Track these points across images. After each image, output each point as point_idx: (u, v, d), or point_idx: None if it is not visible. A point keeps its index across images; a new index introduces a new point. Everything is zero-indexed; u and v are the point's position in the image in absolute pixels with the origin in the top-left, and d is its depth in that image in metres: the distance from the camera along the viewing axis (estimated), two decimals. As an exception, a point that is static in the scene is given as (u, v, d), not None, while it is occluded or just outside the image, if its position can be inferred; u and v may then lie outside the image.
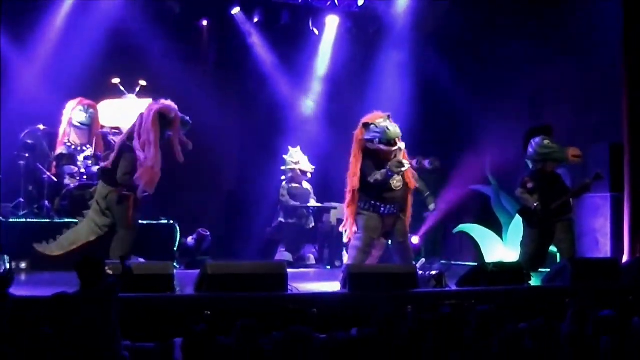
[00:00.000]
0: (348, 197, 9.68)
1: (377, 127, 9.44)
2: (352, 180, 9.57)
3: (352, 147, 9.66)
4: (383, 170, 9.32)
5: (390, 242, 9.95)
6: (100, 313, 5.52)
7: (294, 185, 12.49)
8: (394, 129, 9.42)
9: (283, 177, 12.62)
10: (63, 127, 11.51)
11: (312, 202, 12.55)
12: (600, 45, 11.65)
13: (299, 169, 12.47)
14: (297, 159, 12.53)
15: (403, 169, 9.37)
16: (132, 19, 12.77)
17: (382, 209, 9.45)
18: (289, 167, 12.54)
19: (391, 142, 9.40)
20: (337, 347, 5.48)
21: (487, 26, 13.17)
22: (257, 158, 13.58)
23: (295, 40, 14.33)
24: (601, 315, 6.27)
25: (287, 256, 11.87)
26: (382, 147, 9.41)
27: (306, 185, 12.65)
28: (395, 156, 9.44)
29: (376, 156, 9.50)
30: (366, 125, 9.52)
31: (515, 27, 12.82)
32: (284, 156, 12.64)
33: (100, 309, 5.54)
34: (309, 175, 12.64)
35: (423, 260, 9.23)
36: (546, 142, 10.46)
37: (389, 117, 9.64)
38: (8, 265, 8.02)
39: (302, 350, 5.37)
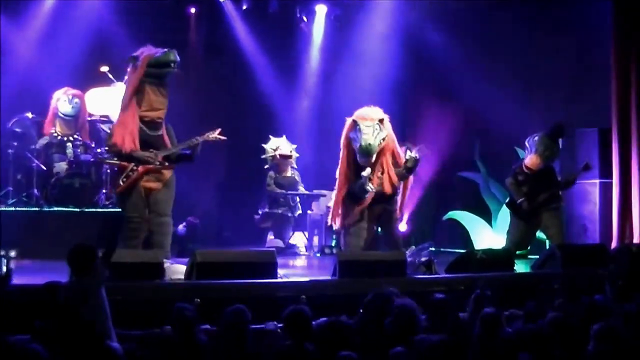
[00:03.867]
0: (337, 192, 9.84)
1: (360, 131, 9.39)
2: (340, 177, 9.76)
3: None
4: (358, 183, 9.48)
5: (379, 229, 9.99)
6: (91, 303, 5.47)
7: (280, 174, 12.48)
8: (373, 143, 9.34)
9: (266, 166, 12.61)
10: (49, 117, 11.46)
11: (301, 190, 12.54)
12: (591, 31, 11.68)
13: (279, 154, 12.45)
14: (276, 145, 12.51)
15: (365, 195, 9.47)
16: (121, 7, 12.74)
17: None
18: (268, 154, 12.54)
19: (364, 156, 9.43)
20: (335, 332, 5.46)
21: (480, 11, 13.16)
22: (247, 147, 13.56)
23: (284, 28, 14.33)
24: (590, 301, 6.31)
25: (278, 242, 11.88)
26: (357, 155, 9.49)
27: (293, 173, 12.63)
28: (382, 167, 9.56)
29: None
30: (355, 123, 9.51)
31: (506, 14, 12.82)
32: (263, 145, 12.64)
33: (92, 299, 5.50)
34: (293, 160, 12.63)
35: (413, 247, 9.24)
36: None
37: (381, 121, 9.55)
38: (4, 268, 7.84)
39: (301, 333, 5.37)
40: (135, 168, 8.58)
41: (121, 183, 8.62)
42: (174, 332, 5.49)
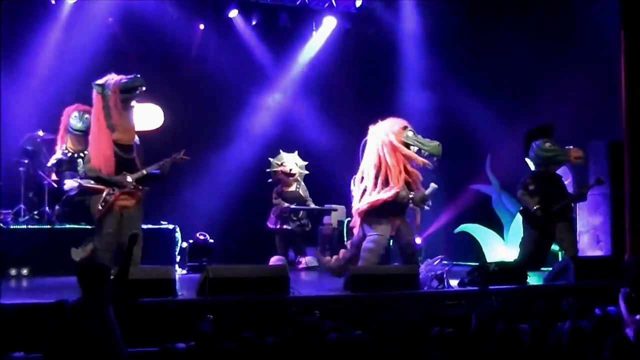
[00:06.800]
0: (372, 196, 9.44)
1: (415, 135, 9.36)
2: (381, 182, 9.37)
3: (379, 145, 9.40)
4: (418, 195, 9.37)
5: (392, 243, 9.95)
6: (101, 322, 5.44)
7: (284, 189, 12.48)
8: (439, 147, 9.31)
9: (270, 180, 12.63)
10: (60, 134, 11.49)
11: (311, 204, 12.51)
12: (599, 42, 11.65)
13: (282, 171, 12.45)
14: (281, 161, 12.54)
15: (424, 207, 9.44)
16: (130, 25, 12.79)
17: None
18: (272, 169, 12.56)
19: (431, 159, 9.35)
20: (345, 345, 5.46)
21: (486, 24, 13.17)
22: (257, 161, 13.57)
23: (294, 42, 14.37)
24: (604, 313, 6.28)
25: (282, 261, 11.82)
26: (418, 158, 9.34)
27: (298, 187, 12.60)
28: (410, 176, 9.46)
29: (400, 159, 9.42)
30: (406, 128, 9.42)
31: (514, 25, 12.82)
32: (270, 158, 12.67)
33: (102, 318, 5.46)
34: (298, 177, 12.61)
35: (428, 260, 9.21)
36: (547, 144, 10.52)
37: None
38: None
39: (312, 344, 5.37)
40: (112, 192, 9.08)
41: (100, 208, 9.10)
42: (195, 347, 5.47)
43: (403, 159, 9.36)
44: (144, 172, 9.32)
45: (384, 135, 9.39)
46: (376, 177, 9.33)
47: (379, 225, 9.34)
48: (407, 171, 9.37)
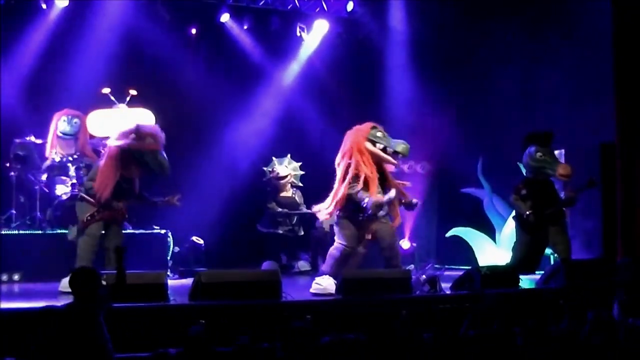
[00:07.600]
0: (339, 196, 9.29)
1: (384, 136, 9.21)
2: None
3: (348, 144, 9.34)
4: (366, 201, 8.92)
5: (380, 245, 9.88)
6: (92, 327, 5.42)
7: (279, 194, 12.50)
8: (406, 145, 9.16)
9: (269, 189, 12.68)
10: (50, 139, 11.46)
11: (303, 209, 12.51)
12: (591, 44, 11.68)
13: (274, 177, 12.48)
14: (273, 167, 12.58)
15: (379, 213, 9.11)
16: (122, 28, 12.77)
17: (360, 216, 9.12)
18: (266, 177, 12.61)
19: (396, 157, 9.23)
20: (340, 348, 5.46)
21: (479, 26, 13.19)
22: (250, 165, 13.57)
23: (287, 46, 14.39)
24: (597, 315, 6.28)
25: (274, 265, 11.80)
26: (383, 155, 9.17)
27: (294, 193, 12.63)
28: (387, 179, 9.32)
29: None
30: (374, 128, 9.30)
31: (507, 27, 12.85)
32: (264, 168, 12.69)
33: (93, 323, 5.45)
34: (292, 179, 12.65)
35: (412, 266, 9.19)
36: (539, 154, 10.46)
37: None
38: None
39: (305, 349, 5.36)
40: (101, 210, 9.21)
41: (85, 220, 9.23)
42: (185, 353, 5.46)
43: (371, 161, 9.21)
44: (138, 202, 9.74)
45: (353, 138, 9.33)
46: (343, 177, 9.21)
47: (345, 235, 9.12)
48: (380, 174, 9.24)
